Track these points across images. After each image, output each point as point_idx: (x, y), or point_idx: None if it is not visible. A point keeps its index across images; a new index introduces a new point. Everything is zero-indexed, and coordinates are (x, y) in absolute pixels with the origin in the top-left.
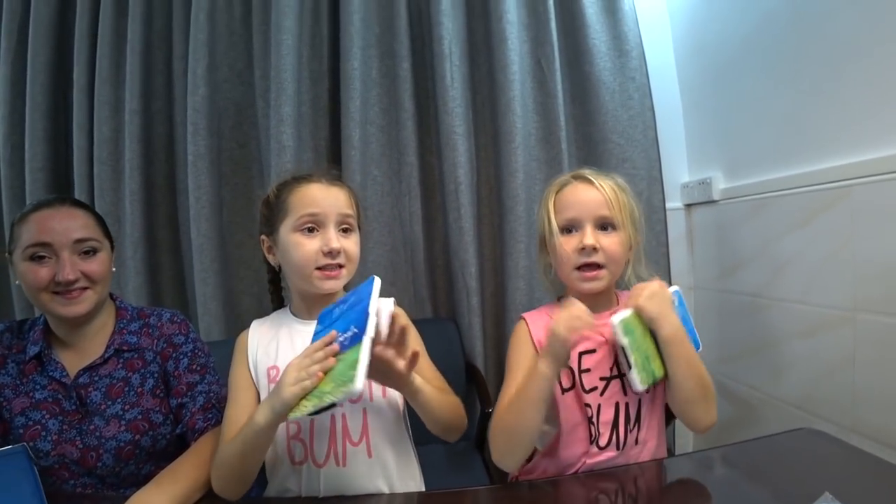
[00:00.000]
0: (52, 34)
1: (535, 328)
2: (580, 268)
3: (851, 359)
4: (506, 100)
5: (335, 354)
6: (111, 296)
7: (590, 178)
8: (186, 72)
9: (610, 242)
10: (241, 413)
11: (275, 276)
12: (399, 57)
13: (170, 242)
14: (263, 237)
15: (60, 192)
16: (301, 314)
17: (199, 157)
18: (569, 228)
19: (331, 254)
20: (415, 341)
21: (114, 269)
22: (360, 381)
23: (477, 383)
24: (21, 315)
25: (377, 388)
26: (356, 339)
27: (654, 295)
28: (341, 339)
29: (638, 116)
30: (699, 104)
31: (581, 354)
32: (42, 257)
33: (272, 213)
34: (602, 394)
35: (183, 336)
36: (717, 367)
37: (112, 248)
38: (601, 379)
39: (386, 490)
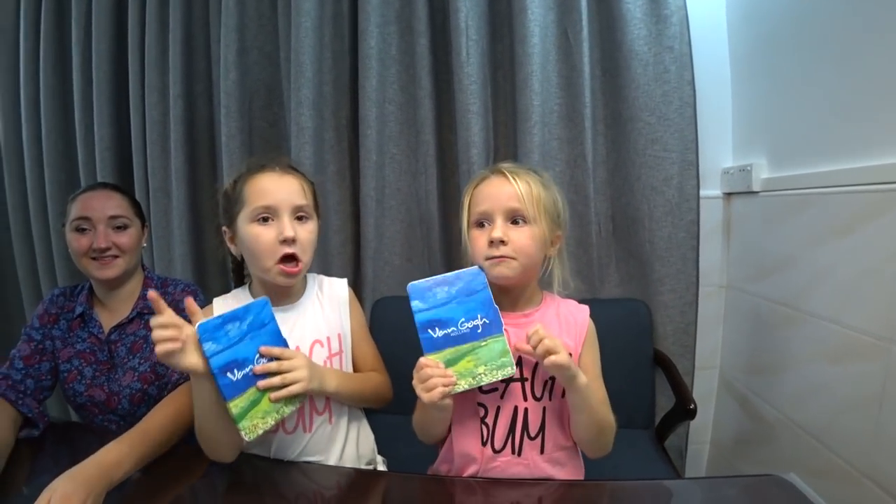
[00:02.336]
0: (112, 25)
1: None
2: (490, 259)
3: (879, 395)
4: (523, 75)
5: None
6: (142, 266)
7: (504, 171)
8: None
9: (519, 235)
10: None
11: (237, 265)
12: (417, 33)
13: (211, 213)
14: (224, 228)
15: (123, 170)
16: (262, 295)
17: (231, 137)
18: (481, 223)
19: (286, 242)
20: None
21: (144, 245)
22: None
23: None
24: (63, 281)
25: (337, 366)
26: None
27: (562, 352)
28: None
29: (674, 92)
30: (750, 79)
31: None
32: (84, 230)
33: (230, 205)
34: (502, 396)
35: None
36: (742, 377)
37: (143, 227)
38: (502, 381)
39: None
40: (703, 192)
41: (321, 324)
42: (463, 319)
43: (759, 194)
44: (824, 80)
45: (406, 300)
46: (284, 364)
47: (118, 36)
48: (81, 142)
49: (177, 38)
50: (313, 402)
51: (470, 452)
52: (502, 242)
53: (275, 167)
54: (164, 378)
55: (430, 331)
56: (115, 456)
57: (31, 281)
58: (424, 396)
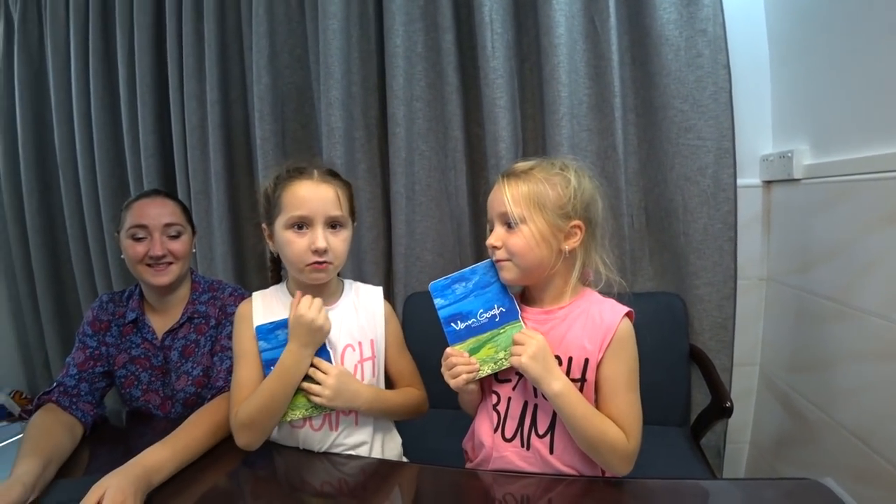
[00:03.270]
0: (152, 40)
1: None
2: (496, 262)
3: None
4: (550, 66)
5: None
6: (191, 272)
7: (502, 176)
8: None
9: (512, 239)
10: (252, 375)
11: (275, 261)
12: (442, 29)
13: (249, 213)
14: (264, 225)
15: (167, 174)
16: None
17: (266, 140)
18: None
19: (317, 252)
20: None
21: (194, 251)
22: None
23: None
24: (117, 281)
25: (368, 376)
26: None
27: (536, 355)
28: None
29: (708, 77)
30: (790, 59)
31: None
32: (140, 238)
33: (269, 207)
34: (514, 388)
35: (234, 307)
36: (783, 374)
37: (194, 233)
38: (516, 373)
39: (368, 446)
40: (740, 181)
41: (354, 328)
42: (482, 310)
43: (801, 182)
44: (871, 58)
45: None
46: (318, 376)
47: (158, 49)
48: (129, 149)
49: (212, 47)
50: None
51: (482, 435)
52: (496, 248)
53: (312, 173)
54: (210, 382)
55: (452, 324)
56: (158, 460)
57: (87, 280)
58: (452, 383)
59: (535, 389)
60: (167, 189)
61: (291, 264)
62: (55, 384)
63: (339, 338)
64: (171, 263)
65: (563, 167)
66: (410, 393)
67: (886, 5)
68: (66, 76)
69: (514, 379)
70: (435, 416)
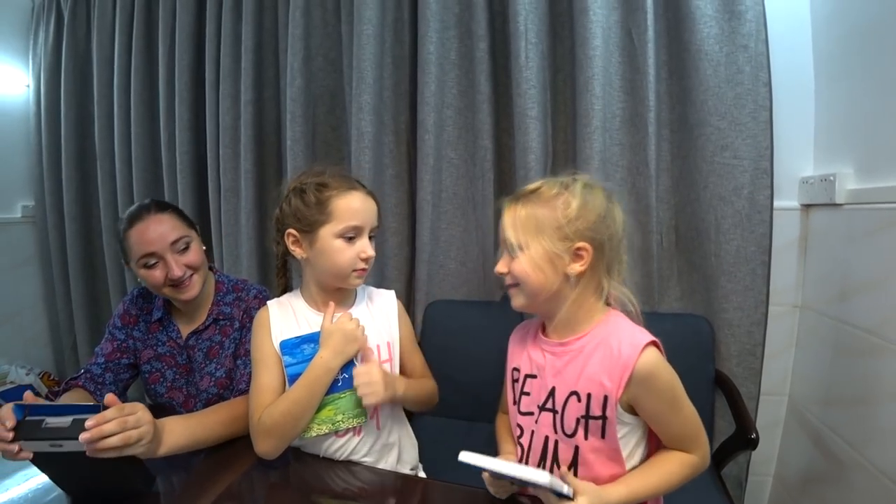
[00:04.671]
0: (192, 40)
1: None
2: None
3: None
4: (584, 78)
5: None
6: (211, 268)
7: (507, 201)
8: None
9: (514, 266)
10: (272, 381)
11: (283, 263)
12: (476, 37)
13: None
14: (292, 231)
15: (199, 171)
16: (318, 305)
17: (296, 141)
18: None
19: (366, 260)
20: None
21: (204, 248)
22: (368, 417)
23: None
24: (116, 295)
25: None
26: (350, 384)
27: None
28: (338, 378)
29: (748, 94)
30: (836, 79)
31: (526, 377)
32: (153, 264)
33: (312, 213)
34: (536, 421)
35: (258, 311)
36: (813, 407)
37: (198, 233)
38: (538, 406)
39: (386, 454)
40: (777, 203)
41: (371, 332)
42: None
43: (843, 207)
44: None
45: (459, 304)
46: (361, 380)
47: (198, 49)
48: (165, 145)
49: (248, 48)
50: None
51: None
52: (503, 274)
53: (360, 187)
54: (233, 385)
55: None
56: (170, 422)
57: (117, 270)
58: None
59: (554, 425)
60: (199, 186)
61: (337, 271)
62: (82, 370)
63: None
64: (192, 276)
65: (567, 185)
66: (427, 383)
67: None
68: (110, 71)
69: (536, 413)
70: (449, 425)
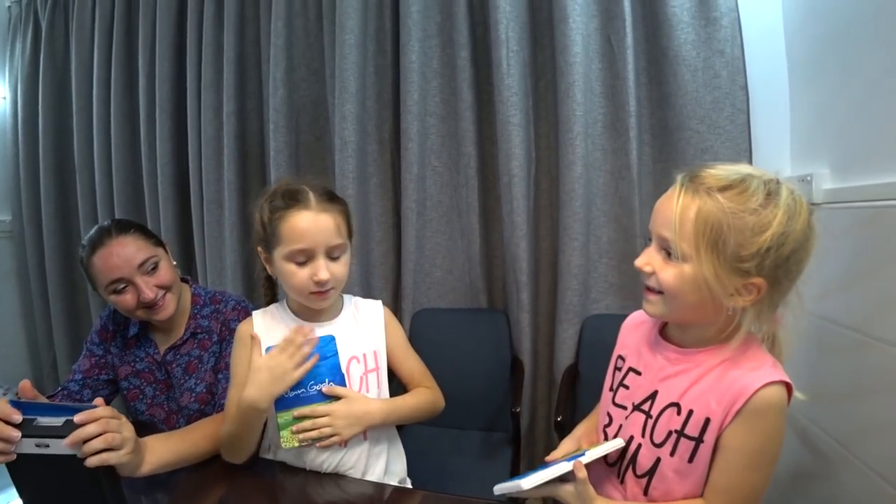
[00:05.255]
0: (173, 50)
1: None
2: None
3: None
4: (565, 85)
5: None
6: (185, 280)
7: (679, 180)
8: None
9: (665, 272)
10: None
11: (269, 280)
12: (458, 45)
13: None
14: (260, 249)
15: (181, 183)
16: (301, 314)
17: (279, 151)
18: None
19: (319, 283)
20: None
21: (174, 263)
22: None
23: (514, 379)
24: (96, 311)
25: (373, 387)
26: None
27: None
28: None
29: (725, 98)
30: (810, 80)
31: (630, 370)
32: (122, 289)
33: (266, 235)
34: (627, 417)
35: (237, 322)
36: (800, 405)
37: (166, 250)
38: (632, 404)
39: (372, 465)
40: None
41: (357, 341)
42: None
43: (820, 206)
44: (894, 80)
45: (445, 312)
46: (319, 421)
47: (179, 60)
48: (145, 156)
49: (230, 59)
50: None
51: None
52: (645, 272)
53: (309, 201)
54: (215, 399)
55: None
56: (153, 441)
57: None
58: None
59: (644, 429)
60: (181, 198)
61: (294, 293)
62: (60, 388)
63: (343, 351)
64: (164, 295)
65: (772, 195)
66: (422, 393)
67: None
68: (89, 82)
69: (629, 408)
70: (438, 435)
